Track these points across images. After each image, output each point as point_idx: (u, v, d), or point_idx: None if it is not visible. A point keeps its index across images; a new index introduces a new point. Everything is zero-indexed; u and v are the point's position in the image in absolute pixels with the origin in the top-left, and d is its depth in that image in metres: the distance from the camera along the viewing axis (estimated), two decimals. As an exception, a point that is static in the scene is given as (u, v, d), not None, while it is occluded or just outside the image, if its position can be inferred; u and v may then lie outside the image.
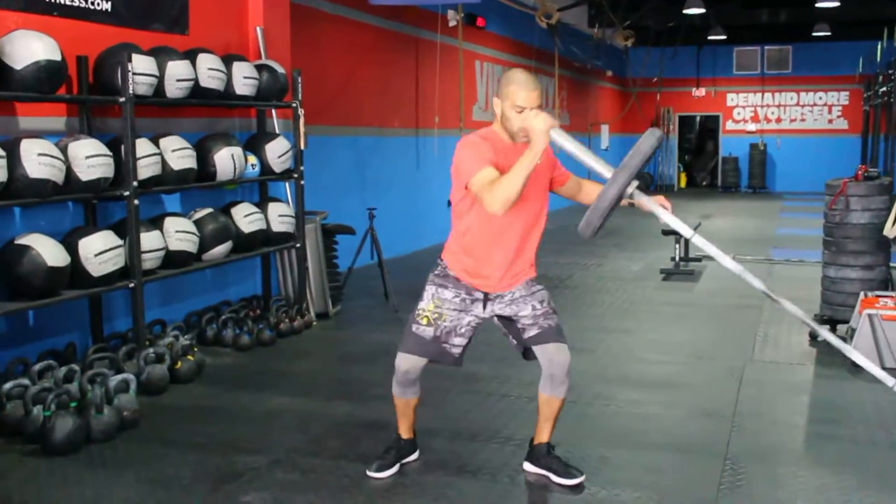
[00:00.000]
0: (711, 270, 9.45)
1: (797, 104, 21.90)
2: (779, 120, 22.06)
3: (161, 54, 5.46)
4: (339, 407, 4.77)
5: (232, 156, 5.98)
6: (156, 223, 5.53)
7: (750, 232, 13.40)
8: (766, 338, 6.32)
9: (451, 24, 11.70)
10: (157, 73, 5.33)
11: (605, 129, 20.29)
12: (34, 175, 4.46)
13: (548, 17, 11.57)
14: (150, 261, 5.31)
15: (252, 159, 6.33)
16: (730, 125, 22.60)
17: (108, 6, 5.47)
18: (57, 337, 5.19)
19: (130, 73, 5.04)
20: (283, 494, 3.60)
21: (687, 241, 9.87)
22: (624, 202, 3.29)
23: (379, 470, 3.76)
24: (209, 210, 5.99)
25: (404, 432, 3.87)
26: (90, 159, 4.80)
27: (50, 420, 4.05)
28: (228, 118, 6.68)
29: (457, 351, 3.64)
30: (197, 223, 5.83)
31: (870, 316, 5.39)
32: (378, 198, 9.51)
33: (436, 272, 3.69)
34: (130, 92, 5.05)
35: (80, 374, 4.58)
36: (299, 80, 6.72)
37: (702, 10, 16.05)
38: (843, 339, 5.60)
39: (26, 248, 4.56)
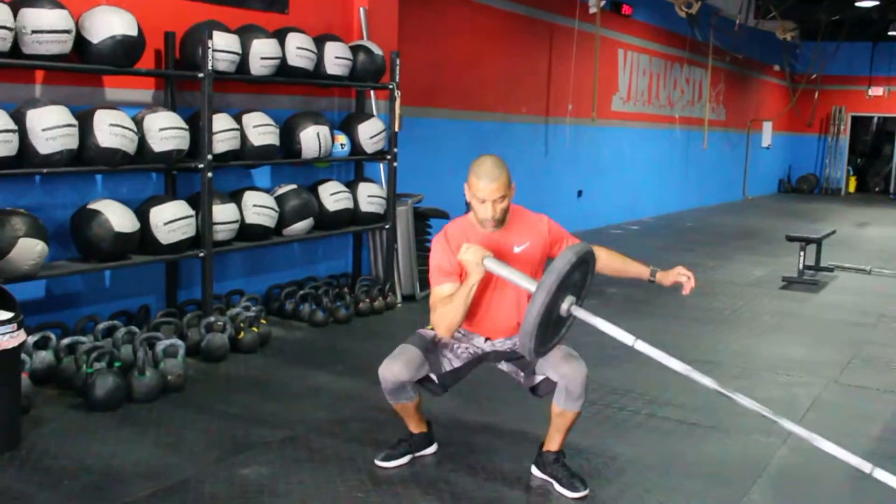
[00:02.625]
0: (840, 282, 8.86)
1: (985, 107, 20.13)
2: (963, 124, 20.36)
3: (247, 32, 5.61)
4: (380, 391, 4.77)
5: (318, 134, 6.08)
6: (234, 196, 5.70)
7: (904, 244, 12.47)
8: (866, 360, 5.85)
9: (592, 10, 11.43)
10: (239, 51, 5.48)
11: (767, 126, 19.35)
12: (104, 144, 4.69)
13: (688, 6, 11.09)
14: (222, 232, 5.48)
15: (342, 139, 6.41)
16: (909, 128, 21.07)
17: (203, -16, 5.68)
18: (132, 299, 5.46)
19: (210, 50, 5.21)
20: (281, 470, 3.64)
21: (818, 248, 9.32)
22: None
23: (385, 459, 3.74)
24: (293, 186, 6.12)
25: (414, 428, 3.82)
26: (164, 131, 5.00)
27: (91, 377, 4.27)
28: (327, 97, 6.80)
29: (447, 366, 3.60)
30: (279, 199, 5.97)
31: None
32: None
33: None
34: (209, 68, 5.23)
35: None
36: (398, 62, 6.75)
37: (876, 2, 15.03)
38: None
39: (96, 212, 4.81)
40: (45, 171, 4.51)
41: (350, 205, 6.47)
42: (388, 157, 6.82)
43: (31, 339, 4.57)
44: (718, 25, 14.65)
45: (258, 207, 5.74)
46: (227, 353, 5.24)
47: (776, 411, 4.68)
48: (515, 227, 3.54)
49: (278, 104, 6.27)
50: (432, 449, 3.87)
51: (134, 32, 4.81)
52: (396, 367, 3.50)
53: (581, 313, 3.21)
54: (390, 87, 6.74)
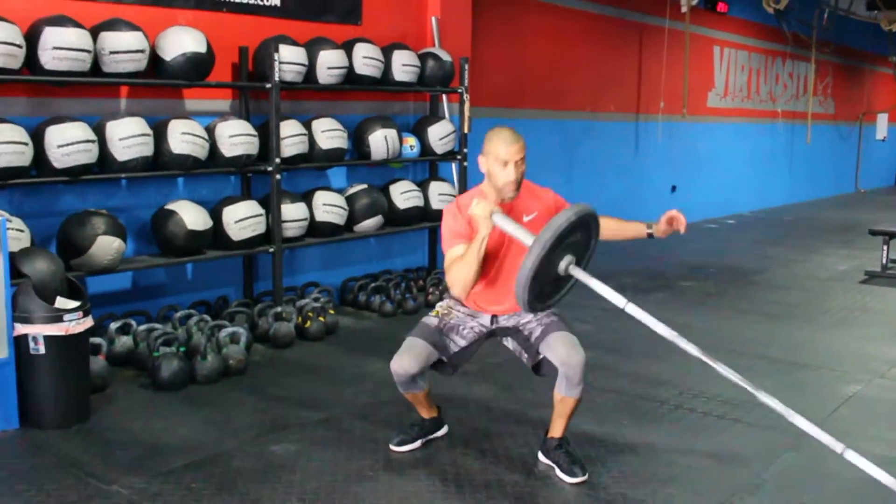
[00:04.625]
0: (934, 279, 8.62)
1: None
2: None
3: (315, 45, 6.04)
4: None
5: (385, 137, 6.46)
6: (306, 196, 6.15)
7: None
8: (928, 358, 5.79)
9: (683, 10, 11.38)
10: (305, 62, 5.91)
11: (882, 118, 18.75)
12: (177, 150, 5.20)
13: (776, 1, 10.87)
14: (292, 229, 5.94)
15: (411, 140, 6.77)
16: None
17: (276, 1, 6.13)
18: (212, 290, 5.99)
19: (277, 62, 5.66)
20: (309, 448, 4.01)
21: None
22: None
23: (399, 444, 4.04)
24: (363, 186, 6.53)
25: (425, 414, 4.11)
26: (234, 138, 5.49)
27: (158, 360, 4.78)
28: (400, 102, 7.18)
29: (454, 348, 3.85)
30: (349, 198, 6.39)
31: None
32: (587, 182, 9.71)
33: None
34: (276, 79, 5.68)
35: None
36: (466, 67, 7.06)
37: None
38: None
39: (172, 212, 5.34)
40: (122, 175, 5.06)
41: (420, 203, 6.82)
42: (459, 157, 7.14)
43: (114, 326, 5.14)
44: (819, 19, 14.29)
45: (328, 206, 6.17)
46: (294, 341, 5.68)
47: (804, 404, 4.78)
48: (524, 198, 3.78)
49: (351, 110, 6.69)
50: (443, 431, 4.17)
51: (203, 49, 5.30)
52: (406, 362, 3.78)
53: (578, 273, 3.36)
54: (459, 90, 7.06)
